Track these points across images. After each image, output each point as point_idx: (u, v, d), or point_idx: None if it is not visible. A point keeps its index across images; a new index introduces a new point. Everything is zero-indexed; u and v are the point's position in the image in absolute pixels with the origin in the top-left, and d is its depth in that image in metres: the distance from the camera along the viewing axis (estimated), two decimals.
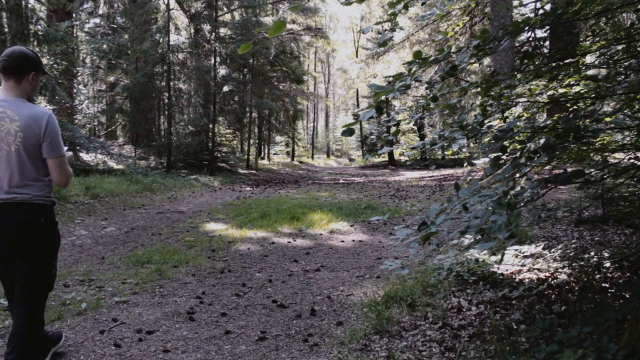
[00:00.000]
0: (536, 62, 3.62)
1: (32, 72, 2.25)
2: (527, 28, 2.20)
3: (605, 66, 3.19)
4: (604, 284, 3.13)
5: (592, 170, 3.54)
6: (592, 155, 3.51)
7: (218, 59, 14.31)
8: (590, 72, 3.26)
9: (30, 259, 2.22)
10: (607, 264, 3.39)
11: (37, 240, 2.22)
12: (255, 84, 17.19)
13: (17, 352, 2.18)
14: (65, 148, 2.31)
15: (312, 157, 32.83)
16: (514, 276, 3.53)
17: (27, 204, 2.18)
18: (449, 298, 3.27)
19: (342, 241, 5.54)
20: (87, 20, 18.21)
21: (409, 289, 3.41)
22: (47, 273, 2.31)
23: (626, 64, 2.96)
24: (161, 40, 13.70)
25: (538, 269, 3.61)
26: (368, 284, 3.87)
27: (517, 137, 2.42)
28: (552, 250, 4.03)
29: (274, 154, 28.51)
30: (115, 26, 17.19)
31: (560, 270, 3.50)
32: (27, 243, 2.19)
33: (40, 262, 2.25)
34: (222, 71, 14.52)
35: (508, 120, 3.21)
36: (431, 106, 2.55)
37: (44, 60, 9.97)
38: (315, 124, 40.52)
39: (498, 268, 3.72)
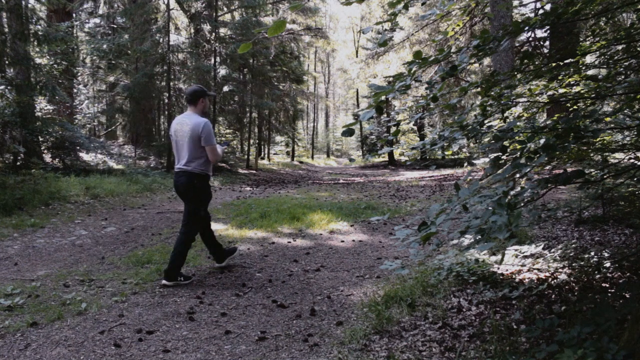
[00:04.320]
0: (536, 62, 3.62)
1: (200, 99, 3.90)
2: (527, 28, 2.20)
3: (605, 66, 3.19)
4: (604, 284, 3.13)
5: (592, 170, 3.54)
6: (592, 155, 3.51)
7: (218, 59, 14.31)
8: (590, 72, 3.26)
9: (188, 202, 3.90)
10: (607, 264, 3.39)
11: (191, 192, 3.84)
12: (255, 84, 17.19)
13: (172, 258, 3.80)
14: (222, 144, 4.17)
15: (312, 157, 32.83)
16: (514, 276, 3.53)
17: (189, 172, 3.80)
18: (449, 298, 3.27)
19: (342, 241, 5.54)
20: (87, 20, 18.21)
21: (409, 289, 3.41)
22: (197, 213, 3.91)
23: (626, 64, 2.96)
24: (161, 40, 13.70)
25: (538, 269, 3.61)
26: (368, 284, 3.87)
27: (517, 137, 2.42)
28: (552, 250, 4.03)
29: (274, 154, 28.52)
30: (115, 26, 17.18)
31: (560, 270, 3.50)
32: (186, 193, 3.85)
33: (192, 201, 3.87)
34: (222, 71, 14.52)
35: (508, 120, 3.21)
36: (431, 106, 2.55)
37: (44, 61, 9.98)
38: (315, 124, 40.54)
39: (498, 268, 3.72)
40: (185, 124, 3.80)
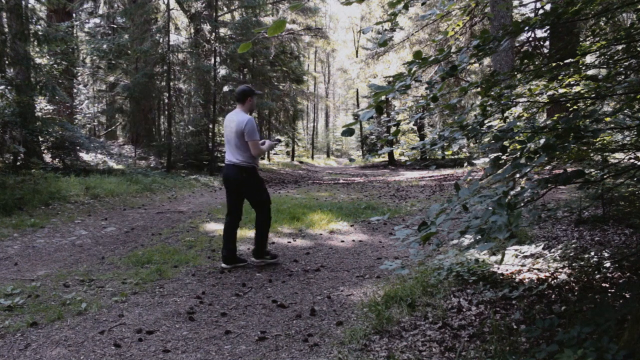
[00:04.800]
0: (536, 62, 3.62)
1: (248, 97, 4.24)
2: (527, 28, 2.20)
3: (605, 66, 3.19)
4: (604, 284, 3.13)
5: (592, 170, 3.54)
6: (592, 155, 3.51)
7: (218, 59, 14.30)
8: (590, 72, 3.26)
9: (244, 193, 4.31)
10: (607, 264, 3.39)
11: (242, 184, 4.22)
12: (255, 84, 17.18)
13: (256, 239, 4.41)
14: (273, 140, 4.45)
15: (312, 157, 32.83)
16: (514, 276, 3.53)
17: (237, 165, 4.17)
18: (449, 298, 3.27)
19: (342, 241, 5.54)
20: (87, 20, 18.21)
21: (409, 289, 3.41)
22: (259, 199, 4.34)
23: (626, 64, 2.96)
24: (161, 40, 13.70)
25: (538, 269, 3.61)
26: (368, 284, 3.87)
27: (517, 137, 2.42)
28: (552, 250, 4.03)
29: (274, 154, 28.49)
30: (115, 26, 17.18)
31: (560, 270, 3.50)
32: (237, 186, 4.24)
33: (250, 194, 4.32)
34: (222, 71, 14.51)
35: (508, 120, 3.21)
36: (431, 106, 2.55)
37: (44, 61, 9.98)
38: (315, 124, 40.52)
39: (498, 268, 3.72)
40: (232, 120, 4.17)
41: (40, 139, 9.66)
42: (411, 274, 3.84)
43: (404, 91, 2.09)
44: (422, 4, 13.53)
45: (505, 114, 3.24)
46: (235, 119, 4.14)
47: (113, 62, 15.65)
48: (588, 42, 3.27)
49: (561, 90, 3.13)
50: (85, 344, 2.75)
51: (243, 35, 13.89)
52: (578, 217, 5.11)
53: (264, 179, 15.30)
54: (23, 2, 8.17)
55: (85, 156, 11.35)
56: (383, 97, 2.02)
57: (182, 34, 15.17)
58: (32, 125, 8.75)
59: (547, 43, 12.14)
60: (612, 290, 2.95)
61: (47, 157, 10.16)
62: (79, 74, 16.66)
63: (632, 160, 3.13)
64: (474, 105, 3.24)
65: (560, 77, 3.12)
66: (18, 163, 8.73)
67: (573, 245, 4.12)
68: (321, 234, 5.93)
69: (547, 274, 3.47)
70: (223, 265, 4.31)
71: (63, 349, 2.68)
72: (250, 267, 4.41)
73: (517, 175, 2.14)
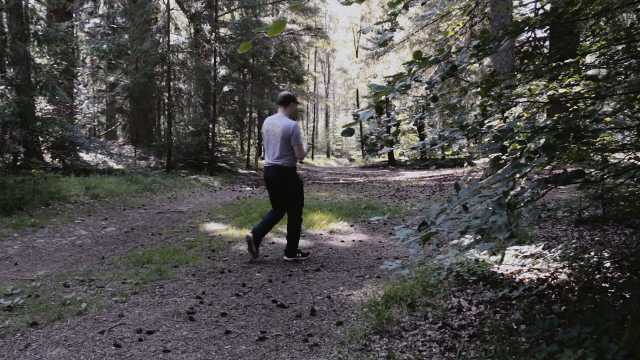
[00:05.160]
0: (536, 62, 3.62)
1: (291, 102, 4.53)
2: (527, 28, 2.20)
3: (605, 66, 3.19)
4: (604, 284, 3.13)
5: (592, 170, 3.54)
6: (592, 155, 3.51)
7: (218, 59, 14.30)
8: (590, 72, 3.26)
9: (285, 193, 4.56)
10: (607, 264, 3.39)
11: (284, 184, 4.50)
12: (255, 84, 17.18)
13: (288, 238, 4.62)
14: (307, 144, 4.72)
15: (312, 157, 32.82)
16: (514, 276, 3.53)
17: (280, 166, 4.42)
18: (449, 298, 3.27)
19: (342, 241, 5.54)
20: (87, 20, 18.20)
21: (409, 289, 3.41)
22: (294, 200, 4.60)
23: (626, 64, 2.96)
24: (161, 40, 13.69)
25: (538, 269, 3.61)
26: (368, 284, 3.87)
27: (517, 137, 2.42)
28: (552, 250, 4.03)
29: None
30: (115, 26, 17.18)
31: (560, 270, 3.50)
32: (280, 185, 4.52)
33: (288, 194, 4.56)
34: (222, 71, 14.51)
35: (508, 120, 3.21)
36: (431, 106, 2.55)
37: (44, 61, 9.98)
38: (315, 124, 40.52)
39: (498, 268, 3.72)
40: (276, 125, 4.41)
41: (40, 139, 9.66)
42: (411, 274, 3.84)
43: (404, 91, 2.09)
44: (422, 4, 13.53)
45: (505, 114, 3.24)
46: (280, 123, 4.38)
47: (113, 62, 15.65)
48: (588, 42, 3.27)
49: (561, 90, 3.12)
50: (85, 344, 2.75)
51: (243, 35, 13.90)
52: (578, 217, 5.11)
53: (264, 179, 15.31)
54: (23, 2, 8.16)
55: (85, 156, 11.35)
56: (383, 97, 2.02)
57: (182, 34, 15.17)
58: (32, 125, 8.75)
59: (547, 43, 12.14)
60: (612, 290, 2.95)
61: (47, 157, 10.16)
62: (79, 74, 16.66)
63: (632, 160, 3.12)
64: (474, 105, 3.24)
65: (560, 77, 3.12)
66: (18, 163, 8.73)
67: (573, 245, 4.12)
68: (321, 234, 5.93)
69: (547, 274, 3.47)
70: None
71: (63, 349, 2.68)
72: (250, 268, 4.42)
73: (517, 175, 2.14)
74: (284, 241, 5.53)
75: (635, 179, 3.22)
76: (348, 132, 2.13)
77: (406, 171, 18.65)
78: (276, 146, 4.40)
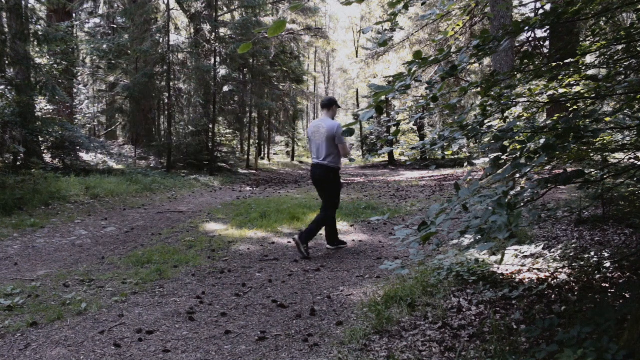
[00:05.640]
0: (536, 62, 3.62)
1: (333, 105, 4.84)
2: (527, 28, 2.20)
3: (605, 66, 3.19)
4: (604, 284, 3.13)
5: (592, 170, 3.54)
6: (592, 155, 3.51)
7: (218, 59, 14.30)
8: (590, 72, 3.25)
9: (325, 190, 4.85)
10: (607, 264, 3.39)
11: (326, 183, 4.79)
12: (255, 84, 17.19)
13: (310, 226, 4.79)
14: (348, 143, 4.86)
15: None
16: (514, 276, 3.53)
17: (325, 165, 4.72)
18: (449, 298, 3.27)
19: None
20: (87, 20, 18.20)
21: (409, 289, 3.41)
22: (332, 200, 4.86)
23: (626, 64, 2.96)
24: (161, 40, 13.69)
25: (538, 269, 3.61)
26: (368, 284, 3.87)
27: (517, 137, 2.42)
28: (552, 250, 4.03)
29: (274, 154, 28.52)
30: (115, 26, 17.18)
31: (560, 270, 3.50)
32: (323, 183, 4.82)
33: (328, 193, 4.84)
34: (222, 71, 14.51)
35: (508, 120, 3.21)
36: (431, 106, 2.55)
37: (44, 61, 9.98)
38: None
39: (498, 268, 3.72)
40: (321, 127, 4.72)
41: (40, 139, 9.66)
42: (411, 274, 3.84)
43: (404, 91, 2.09)
44: (422, 4, 13.53)
45: (505, 114, 3.23)
46: (325, 124, 4.69)
47: (113, 62, 15.64)
48: (588, 42, 3.27)
49: (561, 90, 3.12)
50: (85, 344, 2.75)
51: (243, 35, 13.90)
52: (578, 217, 5.11)
53: (266, 179, 15.29)
54: (23, 2, 8.16)
55: (85, 156, 11.35)
56: (383, 97, 2.02)
57: (182, 34, 15.17)
58: (32, 125, 8.76)
59: (547, 43, 12.14)
60: (612, 290, 2.95)
61: (47, 157, 10.16)
62: (79, 74, 16.66)
63: (632, 160, 3.12)
64: (474, 105, 3.24)
65: (560, 77, 3.12)
66: (18, 163, 8.73)
67: (573, 245, 4.12)
68: (321, 234, 5.93)
69: (547, 274, 3.47)
70: (328, 246, 5.11)
71: (63, 349, 2.68)
72: (250, 268, 4.42)
73: (517, 175, 2.14)
74: (284, 241, 5.53)
75: (635, 179, 3.22)
76: (348, 132, 2.13)
77: (406, 171, 18.65)
78: (321, 146, 4.70)
